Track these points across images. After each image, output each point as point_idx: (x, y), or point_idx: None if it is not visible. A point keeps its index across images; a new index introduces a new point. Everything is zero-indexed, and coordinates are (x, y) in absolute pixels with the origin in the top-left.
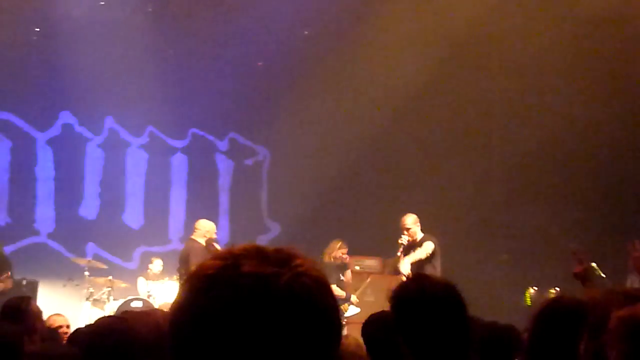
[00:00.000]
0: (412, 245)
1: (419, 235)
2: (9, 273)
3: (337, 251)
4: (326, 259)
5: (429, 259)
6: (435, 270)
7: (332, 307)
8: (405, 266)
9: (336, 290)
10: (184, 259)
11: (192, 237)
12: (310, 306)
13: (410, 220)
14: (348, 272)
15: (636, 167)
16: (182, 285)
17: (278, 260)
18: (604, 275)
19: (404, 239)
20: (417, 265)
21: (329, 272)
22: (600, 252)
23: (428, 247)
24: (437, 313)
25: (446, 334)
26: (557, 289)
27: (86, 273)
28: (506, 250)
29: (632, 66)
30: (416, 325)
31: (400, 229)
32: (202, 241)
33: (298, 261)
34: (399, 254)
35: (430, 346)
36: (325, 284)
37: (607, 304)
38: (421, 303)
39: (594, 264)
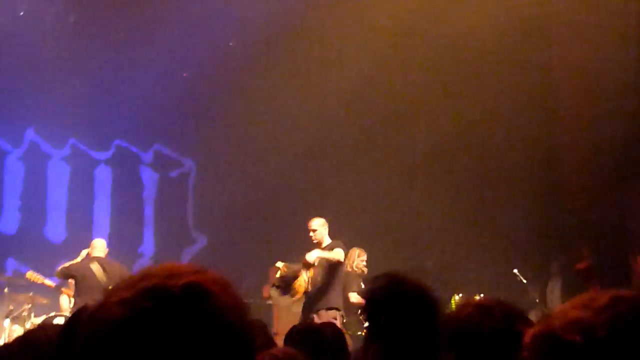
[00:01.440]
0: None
1: (326, 240)
2: None
3: (357, 259)
4: (347, 268)
5: (338, 264)
6: (341, 283)
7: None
8: (311, 255)
9: (357, 298)
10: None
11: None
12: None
13: (317, 223)
14: None
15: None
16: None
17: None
18: (524, 281)
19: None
20: (328, 269)
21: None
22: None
23: (340, 254)
24: (411, 312)
25: (418, 333)
26: (482, 295)
27: (6, 290)
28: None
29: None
30: (388, 324)
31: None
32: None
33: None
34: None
35: (402, 345)
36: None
37: (462, 315)
38: (395, 302)
39: (515, 270)
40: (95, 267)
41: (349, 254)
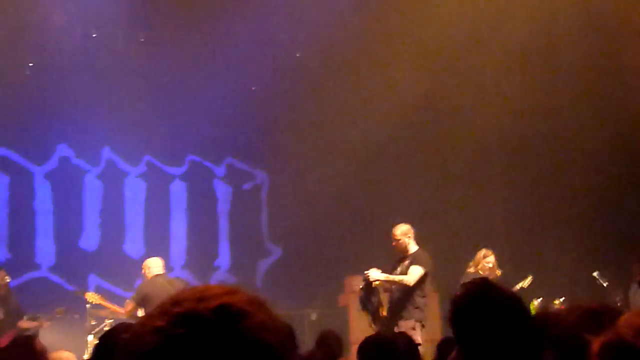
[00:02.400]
0: (402, 258)
1: (412, 247)
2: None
3: (483, 261)
4: (471, 270)
5: (417, 285)
6: (423, 294)
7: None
8: (374, 274)
9: None
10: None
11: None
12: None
13: (400, 231)
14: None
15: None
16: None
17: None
18: (605, 284)
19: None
20: (402, 289)
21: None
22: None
23: (415, 274)
24: (501, 319)
25: (508, 341)
26: (563, 299)
27: (88, 305)
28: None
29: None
30: (478, 334)
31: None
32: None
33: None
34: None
35: (490, 354)
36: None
37: (569, 318)
38: (485, 311)
39: (595, 273)
40: (164, 284)
41: (475, 256)
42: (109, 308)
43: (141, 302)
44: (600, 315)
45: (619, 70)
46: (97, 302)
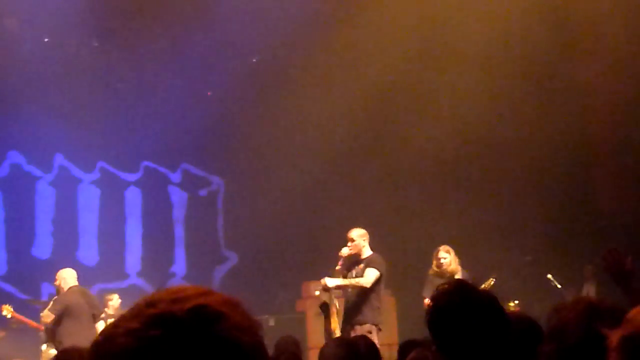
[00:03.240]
0: (356, 261)
1: (366, 252)
2: None
3: (438, 260)
4: (432, 271)
5: (372, 288)
6: (379, 297)
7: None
8: (330, 281)
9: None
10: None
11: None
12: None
13: (356, 233)
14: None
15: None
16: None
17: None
18: (559, 286)
19: (345, 250)
20: (358, 292)
21: (427, 284)
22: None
23: (371, 276)
24: (479, 323)
25: (487, 343)
26: (517, 301)
27: (41, 314)
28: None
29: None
30: (457, 334)
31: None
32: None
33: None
34: (337, 267)
35: (470, 355)
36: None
37: (571, 311)
38: (464, 311)
39: (549, 275)
40: (82, 295)
41: (433, 257)
42: (25, 322)
43: (63, 313)
44: (601, 310)
45: (575, 77)
46: (12, 316)
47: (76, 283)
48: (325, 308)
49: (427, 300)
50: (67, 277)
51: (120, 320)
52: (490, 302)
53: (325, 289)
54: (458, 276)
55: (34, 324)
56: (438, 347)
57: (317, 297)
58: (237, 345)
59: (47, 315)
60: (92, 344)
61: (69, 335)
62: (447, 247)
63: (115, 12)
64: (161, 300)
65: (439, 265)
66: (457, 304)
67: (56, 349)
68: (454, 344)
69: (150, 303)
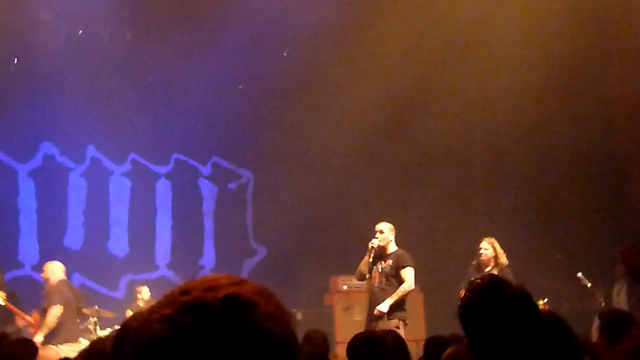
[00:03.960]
0: (381, 255)
1: (392, 247)
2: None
3: (480, 251)
4: (474, 262)
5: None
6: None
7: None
8: (384, 307)
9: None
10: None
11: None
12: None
13: (386, 226)
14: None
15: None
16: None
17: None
18: (589, 284)
19: (375, 242)
20: (386, 290)
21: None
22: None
23: (411, 278)
24: (512, 318)
25: (519, 340)
26: (546, 299)
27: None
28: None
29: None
30: (488, 329)
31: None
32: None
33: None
34: (369, 259)
35: (502, 351)
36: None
37: None
38: (497, 307)
39: (579, 274)
40: (69, 289)
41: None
42: (16, 313)
43: (65, 303)
44: None
45: (606, 75)
46: (5, 304)
47: (64, 276)
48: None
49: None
50: (56, 270)
51: (155, 307)
52: (524, 299)
53: (381, 316)
54: (494, 271)
55: (25, 316)
56: (469, 342)
57: (345, 291)
58: (268, 334)
59: (56, 309)
60: (128, 330)
61: (59, 326)
62: (490, 239)
63: (148, 5)
64: (195, 288)
65: (478, 256)
66: (490, 298)
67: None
68: (485, 339)
69: (184, 291)
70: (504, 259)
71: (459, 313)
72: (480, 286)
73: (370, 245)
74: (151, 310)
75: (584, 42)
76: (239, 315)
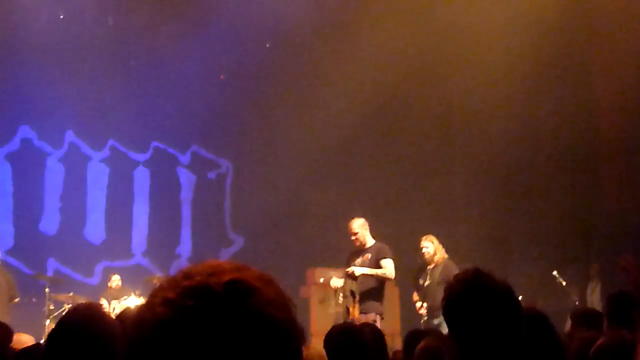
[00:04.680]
0: (360, 250)
1: (369, 240)
2: None
3: (419, 249)
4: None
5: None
6: (383, 287)
7: (280, 315)
8: (358, 270)
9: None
10: None
11: None
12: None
13: (356, 224)
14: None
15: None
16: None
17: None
18: (564, 283)
19: (355, 270)
20: (363, 283)
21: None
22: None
23: (391, 267)
24: (496, 312)
25: (501, 333)
26: (521, 297)
27: (46, 290)
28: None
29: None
30: (472, 322)
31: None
32: None
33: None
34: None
35: (484, 344)
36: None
37: None
38: (480, 300)
39: (555, 272)
40: (1, 275)
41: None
42: None
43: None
44: None
45: (585, 79)
46: None
47: None
48: (352, 295)
49: (415, 297)
50: None
51: (158, 291)
52: (507, 293)
53: (353, 277)
54: (438, 267)
55: None
56: (451, 334)
57: (322, 284)
58: (270, 320)
59: None
60: (135, 313)
61: None
62: (429, 237)
63: None
64: (198, 272)
65: (421, 256)
66: (475, 292)
67: None
68: (467, 332)
69: (187, 275)
70: (442, 253)
71: (442, 305)
72: (465, 279)
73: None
74: (154, 294)
75: (567, 39)
76: (241, 300)
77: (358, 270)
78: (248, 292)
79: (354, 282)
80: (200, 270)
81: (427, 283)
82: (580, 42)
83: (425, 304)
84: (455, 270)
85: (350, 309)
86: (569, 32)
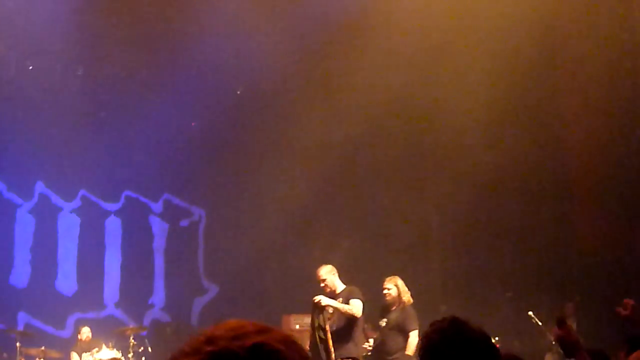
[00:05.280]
0: (333, 297)
1: (339, 285)
2: None
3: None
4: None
5: (356, 320)
6: (360, 329)
7: None
8: (325, 300)
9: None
10: None
11: None
12: None
13: (324, 271)
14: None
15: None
16: None
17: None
18: (540, 323)
19: (323, 299)
20: (342, 325)
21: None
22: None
23: (357, 308)
24: (475, 359)
25: None
26: (497, 338)
27: (18, 344)
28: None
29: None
30: None
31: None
32: None
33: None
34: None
35: None
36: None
37: None
38: (458, 349)
39: (530, 313)
40: None
41: None
42: None
43: None
44: None
45: (557, 119)
46: None
47: None
48: (322, 330)
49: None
50: None
51: (179, 356)
52: (484, 340)
53: (319, 306)
54: (398, 311)
55: None
56: None
57: (297, 330)
58: None
59: None
60: None
61: None
62: (393, 279)
63: (101, 41)
64: (221, 337)
65: (383, 297)
66: (452, 340)
67: None
68: None
69: (210, 340)
70: (407, 297)
71: (419, 355)
72: (441, 328)
73: (317, 302)
74: (174, 358)
75: (538, 83)
76: None
77: (324, 300)
78: (272, 356)
79: (322, 314)
80: (223, 334)
81: (383, 324)
82: (551, 78)
83: (372, 342)
84: (412, 317)
85: (325, 347)
86: (542, 67)
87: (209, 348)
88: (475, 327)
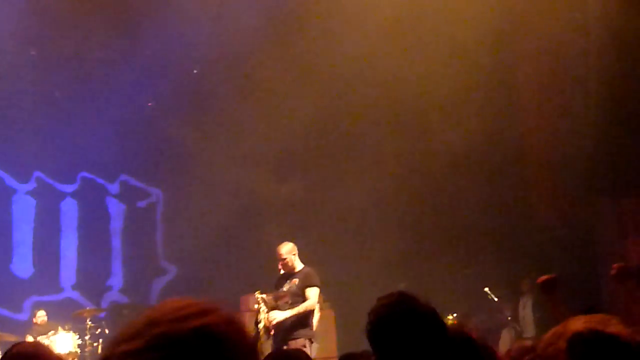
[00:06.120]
0: (288, 275)
1: (298, 265)
2: None
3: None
4: None
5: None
6: (311, 312)
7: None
8: (280, 315)
9: None
10: None
11: None
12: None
13: (285, 250)
14: None
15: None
16: None
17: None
18: (496, 299)
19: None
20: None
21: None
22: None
23: (314, 296)
24: (421, 335)
25: (427, 356)
26: (455, 314)
27: None
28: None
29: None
30: (397, 346)
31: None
32: None
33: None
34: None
35: None
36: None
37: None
38: (405, 324)
39: (486, 289)
40: None
41: None
42: None
43: None
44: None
45: (515, 96)
46: None
47: None
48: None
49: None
50: None
51: (122, 340)
52: (432, 315)
53: (270, 326)
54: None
55: None
56: (378, 359)
57: (255, 310)
58: None
59: None
60: None
61: None
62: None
63: (54, 20)
64: (162, 319)
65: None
66: (399, 316)
67: None
68: (394, 356)
69: (151, 321)
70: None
71: (367, 329)
72: (389, 302)
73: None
74: (116, 342)
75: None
76: (209, 347)
77: (279, 317)
78: (216, 339)
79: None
80: (165, 316)
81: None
82: (508, 55)
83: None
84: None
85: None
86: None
87: (150, 331)
88: (422, 301)
